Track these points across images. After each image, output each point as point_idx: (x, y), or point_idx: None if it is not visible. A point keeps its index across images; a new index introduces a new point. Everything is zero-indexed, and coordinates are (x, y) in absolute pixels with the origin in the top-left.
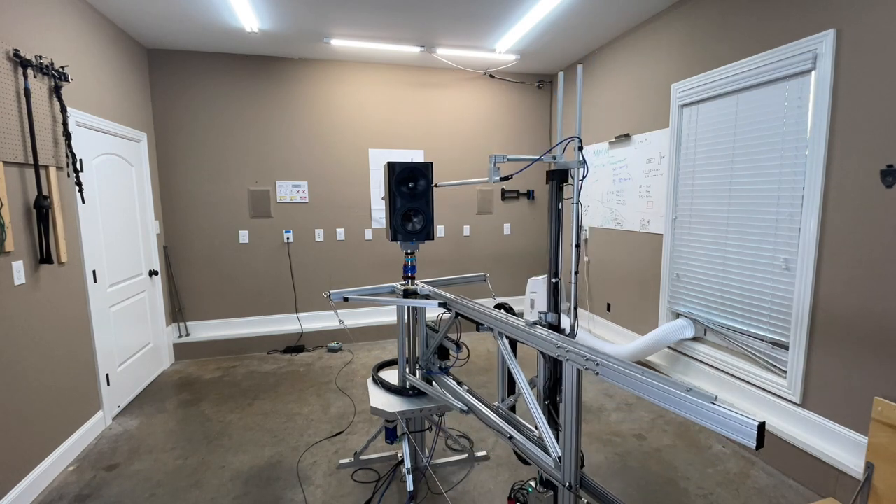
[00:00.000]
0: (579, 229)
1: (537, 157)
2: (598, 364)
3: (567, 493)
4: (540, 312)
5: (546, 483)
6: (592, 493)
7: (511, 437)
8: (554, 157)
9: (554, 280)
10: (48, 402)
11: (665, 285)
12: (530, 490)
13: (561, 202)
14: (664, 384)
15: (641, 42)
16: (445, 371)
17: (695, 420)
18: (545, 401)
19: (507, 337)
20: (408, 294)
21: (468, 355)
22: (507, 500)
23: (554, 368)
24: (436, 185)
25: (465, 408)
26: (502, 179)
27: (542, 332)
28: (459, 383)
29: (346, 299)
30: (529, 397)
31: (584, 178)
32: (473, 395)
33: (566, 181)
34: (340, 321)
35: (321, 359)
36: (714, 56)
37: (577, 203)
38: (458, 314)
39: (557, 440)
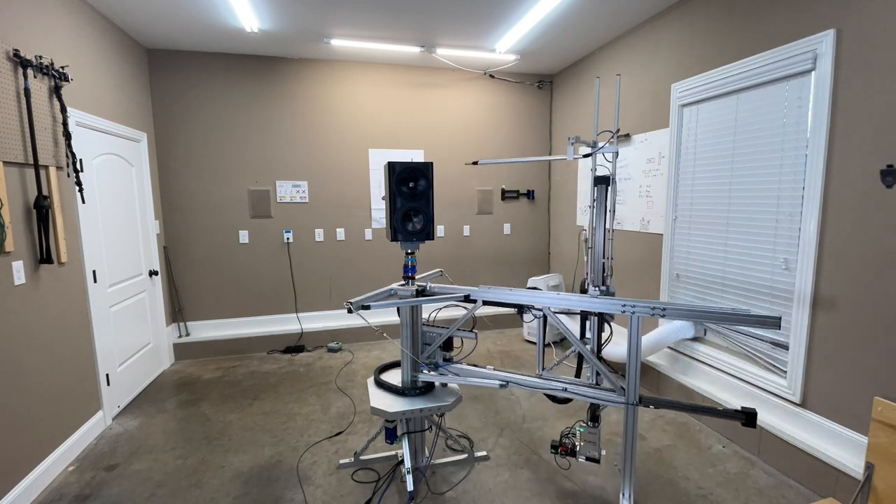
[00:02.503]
0: (611, 218)
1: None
2: (663, 310)
3: (632, 409)
4: (588, 286)
5: (595, 419)
6: (651, 402)
7: (565, 389)
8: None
9: (602, 261)
10: (48, 402)
11: (665, 285)
12: (581, 430)
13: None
14: (721, 309)
15: (641, 42)
16: (450, 362)
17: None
18: (597, 355)
19: (554, 312)
20: (420, 293)
21: (476, 344)
22: (559, 448)
23: (600, 326)
24: (475, 163)
25: (503, 382)
26: (585, 156)
27: (599, 298)
28: (476, 366)
29: (366, 307)
30: (588, 354)
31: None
32: (502, 371)
33: (607, 185)
34: (375, 328)
35: (321, 359)
36: (714, 56)
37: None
38: (495, 303)
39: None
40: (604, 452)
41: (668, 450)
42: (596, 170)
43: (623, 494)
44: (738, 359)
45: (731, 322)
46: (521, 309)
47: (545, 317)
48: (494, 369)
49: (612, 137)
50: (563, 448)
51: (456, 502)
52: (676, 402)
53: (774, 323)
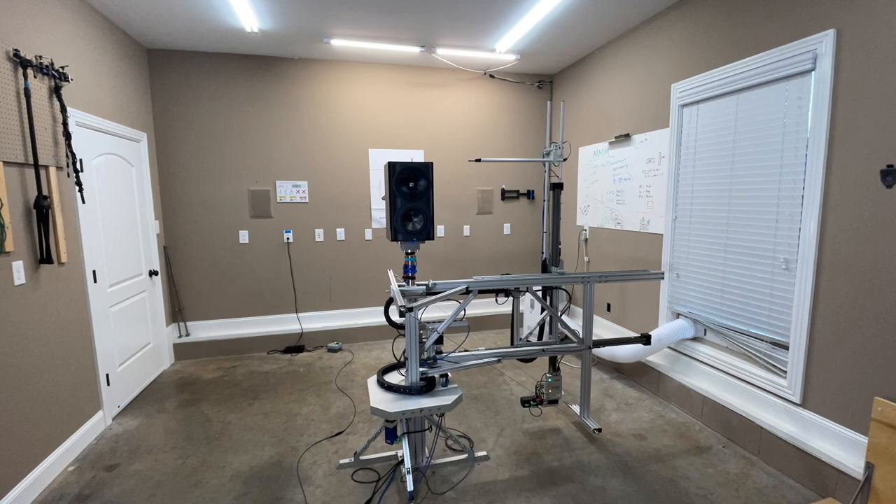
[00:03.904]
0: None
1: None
2: (605, 277)
3: (587, 352)
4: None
5: (556, 368)
6: (597, 344)
7: (544, 350)
8: (565, 159)
9: (559, 247)
10: (48, 402)
11: (665, 285)
12: (549, 380)
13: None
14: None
15: (641, 42)
16: (444, 356)
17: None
18: (561, 316)
19: (533, 289)
20: (428, 291)
21: (467, 336)
22: (534, 400)
23: (552, 297)
24: (478, 161)
25: (497, 358)
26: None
27: (563, 274)
28: (468, 351)
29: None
30: (558, 317)
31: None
32: (490, 349)
33: (560, 190)
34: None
35: (321, 359)
36: (714, 56)
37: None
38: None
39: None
40: (563, 393)
41: (668, 450)
42: (552, 177)
43: (583, 414)
44: (738, 359)
45: (621, 279)
46: (507, 293)
47: (516, 296)
48: (486, 349)
49: (558, 147)
50: (539, 398)
51: (456, 502)
52: (611, 339)
53: (658, 276)
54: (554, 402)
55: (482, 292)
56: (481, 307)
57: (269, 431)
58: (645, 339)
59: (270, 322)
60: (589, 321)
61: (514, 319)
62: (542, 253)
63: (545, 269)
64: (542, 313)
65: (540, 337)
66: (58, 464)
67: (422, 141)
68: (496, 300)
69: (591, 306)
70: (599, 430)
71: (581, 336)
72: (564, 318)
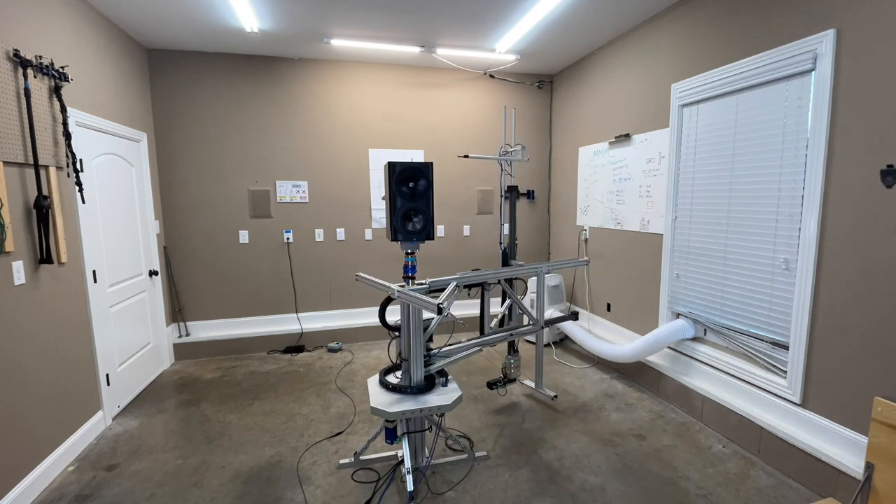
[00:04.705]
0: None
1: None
2: (552, 266)
3: (541, 331)
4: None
5: (515, 350)
6: (547, 322)
7: (511, 334)
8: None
9: (516, 242)
10: (48, 402)
11: (665, 285)
12: (512, 361)
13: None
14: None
15: (641, 42)
16: (435, 352)
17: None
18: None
19: (506, 280)
20: (427, 292)
21: (454, 327)
22: (500, 381)
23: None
24: (466, 157)
25: (479, 348)
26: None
27: (524, 265)
28: (452, 345)
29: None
30: (522, 302)
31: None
32: (471, 341)
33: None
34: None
35: (321, 359)
36: (714, 56)
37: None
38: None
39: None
40: (520, 374)
41: (668, 450)
42: (509, 178)
43: (538, 386)
44: (738, 359)
45: (556, 268)
46: (482, 286)
47: (484, 289)
48: (468, 340)
49: (514, 148)
50: (505, 378)
51: (456, 502)
52: (554, 318)
53: (583, 263)
54: (512, 381)
55: (467, 287)
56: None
57: (269, 431)
58: (573, 317)
59: (270, 322)
60: (541, 306)
61: (482, 310)
62: (500, 244)
63: (505, 262)
64: (503, 304)
65: (502, 321)
66: (58, 464)
67: (422, 141)
68: (468, 293)
69: (542, 292)
70: (555, 396)
71: (535, 317)
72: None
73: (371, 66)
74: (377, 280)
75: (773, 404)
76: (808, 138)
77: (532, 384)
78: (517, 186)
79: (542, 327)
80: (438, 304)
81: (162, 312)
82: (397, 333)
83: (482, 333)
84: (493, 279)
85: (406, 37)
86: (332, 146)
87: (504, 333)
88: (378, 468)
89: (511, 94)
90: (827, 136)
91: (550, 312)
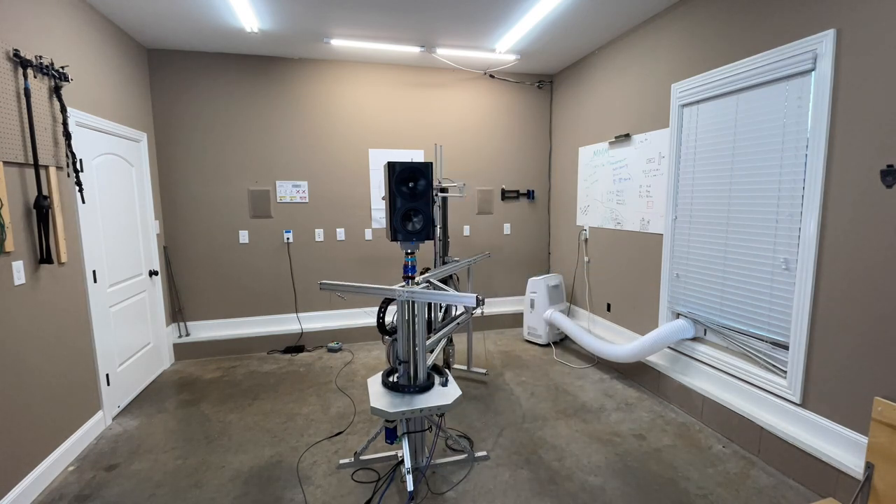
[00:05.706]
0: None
1: None
2: (470, 262)
3: (469, 315)
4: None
5: (450, 341)
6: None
7: (458, 323)
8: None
9: (445, 241)
10: (48, 402)
11: (665, 285)
12: (449, 349)
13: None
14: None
15: (641, 42)
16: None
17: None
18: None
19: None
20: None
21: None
22: (445, 367)
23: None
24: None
25: (450, 340)
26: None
27: (457, 262)
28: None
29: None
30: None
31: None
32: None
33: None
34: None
35: (321, 359)
36: (714, 56)
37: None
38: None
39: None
40: (454, 359)
41: (668, 450)
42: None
43: (469, 366)
44: (738, 359)
45: (471, 263)
46: (444, 281)
47: (430, 283)
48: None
49: (453, 184)
50: (448, 365)
51: (456, 502)
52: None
53: (485, 256)
54: (449, 366)
55: (441, 281)
56: (493, 307)
57: (269, 431)
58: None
59: (270, 322)
60: (470, 288)
61: (430, 306)
62: (436, 251)
63: (443, 261)
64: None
65: (444, 315)
66: (58, 464)
67: (422, 141)
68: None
69: (471, 283)
70: (486, 372)
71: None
72: (565, 319)
73: (371, 66)
74: (376, 286)
75: (773, 404)
76: (808, 138)
77: (464, 367)
78: (446, 188)
79: (471, 314)
80: (478, 296)
81: (162, 312)
82: (392, 337)
83: (430, 330)
84: (451, 274)
85: (406, 37)
86: (332, 146)
87: (449, 328)
88: (378, 468)
89: (511, 95)
90: (827, 136)
91: (551, 312)
